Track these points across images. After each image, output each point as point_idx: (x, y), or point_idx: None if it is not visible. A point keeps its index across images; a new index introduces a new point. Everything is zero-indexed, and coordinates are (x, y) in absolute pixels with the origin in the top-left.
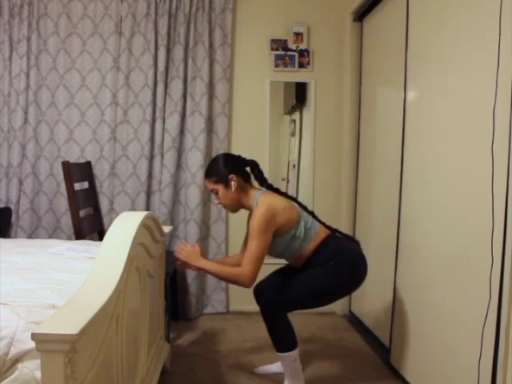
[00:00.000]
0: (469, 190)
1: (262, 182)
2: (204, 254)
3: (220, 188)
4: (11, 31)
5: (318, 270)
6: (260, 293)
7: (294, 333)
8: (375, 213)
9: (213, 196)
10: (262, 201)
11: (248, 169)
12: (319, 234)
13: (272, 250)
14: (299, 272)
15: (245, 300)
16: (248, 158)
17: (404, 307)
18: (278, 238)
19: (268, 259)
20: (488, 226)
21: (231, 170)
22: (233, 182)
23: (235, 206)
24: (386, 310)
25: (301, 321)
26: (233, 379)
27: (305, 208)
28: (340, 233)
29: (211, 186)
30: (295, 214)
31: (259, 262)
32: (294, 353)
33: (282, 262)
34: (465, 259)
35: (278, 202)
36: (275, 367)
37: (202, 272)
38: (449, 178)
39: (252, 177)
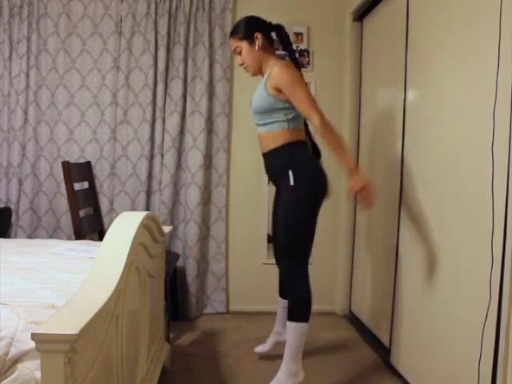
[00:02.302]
0: (469, 190)
1: (287, 45)
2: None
3: (244, 45)
4: (11, 31)
5: (286, 208)
6: (277, 257)
7: (311, 307)
8: (375, 212)
9: (237, 60)
10: (281, 63)
11: (273, 34)
12: (298, 132)
13: (258, 101)
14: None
15: (245, 300)
16: (275, 23)
17: (404, 307)
18: (272, 96)
19: (268, 259)
20: (488, 226)
21: (257, 28)
22: (257, 41)
23: (257, 67)
24: (385, 310)
25: None
26: (233, 379)
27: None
28: (313, 143)
29: (236, 43)
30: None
31: (316, 103)
32: (305, 325)
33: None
34: (465, 259)
35: (298, 71)
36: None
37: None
38: (449, 178)
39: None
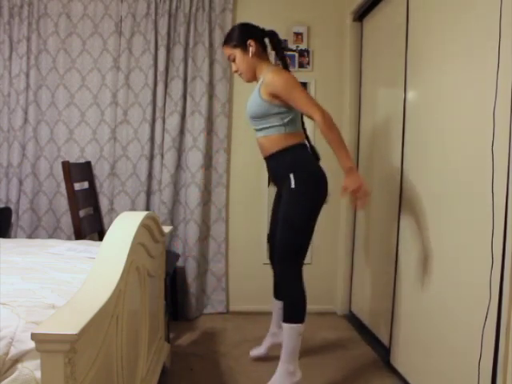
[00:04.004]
0: (469, 190)
1: (280, 51)
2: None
3: (238, 53)
4: (11, 31)
5: (286, 210)
6: (272, 257)
7: (306, 307)
8: (375, 213)
9: (232, 68)
10: (275, 68)
11: (266, 40)
12: (296, 135)
13: (253, 107)
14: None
15: (245, 300)
16: (268, 29)
17: (404, 307)
18: (266, 102)
19: (268, 259)
20: (488, 226)
21: (250, 36)
22: (251, 48)
23: (251, 74)
24: (385, 310)
25: None
26: (233, 379)
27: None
28: (312, 148)
29: (229, 50)
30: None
31: (314, 100)
32: (301, 326)
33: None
34: (465, 259)
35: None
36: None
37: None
38: (449, 178)
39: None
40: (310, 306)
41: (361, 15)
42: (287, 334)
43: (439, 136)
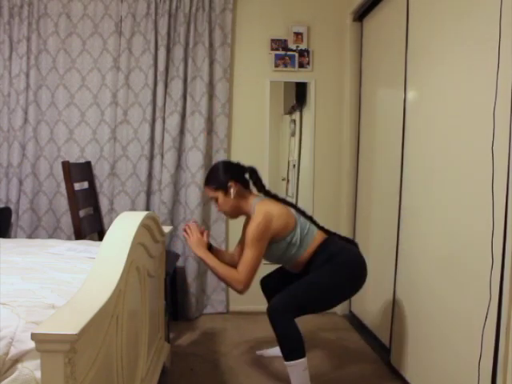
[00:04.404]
0: (469, 191)
1: (260, 188)
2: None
3: (220, 195)
4: (11, 31)
5: (320, 272)
6: (266, 285)
7: (303, 341)
8: (375, 213)
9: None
10: (258, 209)
11: (247, 175)
12: (316, 239)
13: (268, 256)
14: (300, 275)
15: (245, 300)
16: (247, 165)
17: (404, 307)
18: (274, 244)
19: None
20: (488, 226)
21: (230, 177)
22: (232, 189)
23: (235, 213)
24: (386, 310)
25: (301, 321)
26: (233, 379)
27: (303, 213)
28: (338, 236)
29: (211, 193)
30: (291, 221)
31: (254, 271)
32: (303, 361)
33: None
34: (465, 259)
35: (274, 209)
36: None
37: (202, 261)
38: (449, 179)
39: (251, 183)
40: None
41: (361, 15)
42: (292, 372)
43: (439, 136)
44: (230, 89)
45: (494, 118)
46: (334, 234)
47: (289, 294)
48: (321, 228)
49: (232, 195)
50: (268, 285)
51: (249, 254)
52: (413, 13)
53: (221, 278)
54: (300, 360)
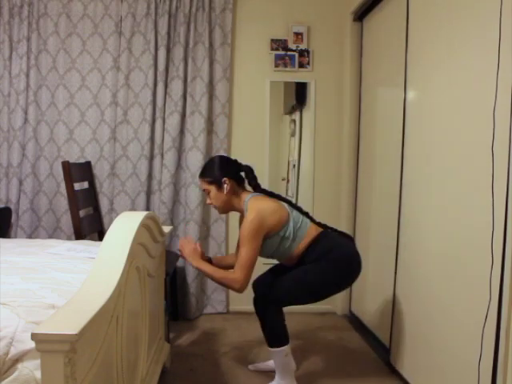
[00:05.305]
0: (469, 190)
1: (256, 187)
2: (205, 253)
3: (213, 189)
4: (11, 31)
5: (310, 266)
6: (257, 287)
7: (286, 329)
8: (375, 213)
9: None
10: (251, 207)
11: (243, 173)
12: (310, 233)
13: (262, 251)
14: (293, 268)
15: (245, 300)
16: (244, 163)
17: (404, 307)
18: (267, 240)
19: (268, 259)
20: (488, 226)
21: (225, 174)
22: (225, 185)
23: (226, 208)
24: (386, 310)
25: (301, 321)
26: (233, 379)
27: (297, 208)
28: (334, 230)
29: (204, 185)
30: (284, 215)
31: (250, 268)
32: (286, 348)
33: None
34: (465, 259)
35: (266, 206)
36: (267, 365)
37: (199, 270)
38: (449, 178)
39: (246, 181)
40: (310, 306)
41: (361, 15)
42: (275, 358)
43: (439, 136)
44: (230, 89)
45: (494, 118)
46: (330, 228)
47: (278, 285)
48: (317, 223)
49: (225, 191)
50: (259, 286)
51: (244, 252)
52: (413, 13)
53: (219, 283)
54: (282, 348)
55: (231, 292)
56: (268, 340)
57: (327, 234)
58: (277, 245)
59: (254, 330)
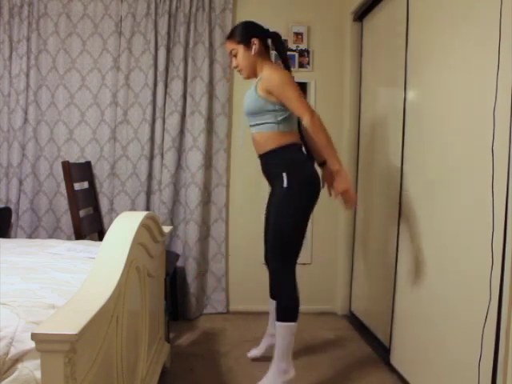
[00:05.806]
0: (469, 191)
1: (282, 53)
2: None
3: (240, 49)
4: (11, 31)
5: (278, 209)
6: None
7: (299, 306)
8: (375, 212)
9: (231, 68)
10: (273, 66)
11: (269, 41)
12: (290, 134)
13: (248, 102)
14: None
15: (245, 300)
16: (272, 30)
17: (404, 307)
18: (261, 98)
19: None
20: (488, 226)
21: (254, 34)
22: (254, 46)
23: (250, 71)
24: (385, 310)
25: (301, 321)
26: (233, 379)
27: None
28: (306, 148)
29: (232, 45)
30: (295, 96)
31: (304, 101)
32: (294, 325)
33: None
34: (465, 260)
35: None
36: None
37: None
38: (449, 178)
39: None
40: (310, 306)
41: (361, 15)
42: (280, 333)
43: (439, 136)
44: (230, 89)
45: (494, 118)
46: (305, 142)
47: (273, 247)
48: (301, 134)
49: (253, 51)
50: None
51: (290, 95)
52: (413, 13)
53: (330, 144)
54: (292, 323)
55: (231, 292)
56: (279, 313)
57: (298, 148)
58: (263, 109)
59: (254, 329)
